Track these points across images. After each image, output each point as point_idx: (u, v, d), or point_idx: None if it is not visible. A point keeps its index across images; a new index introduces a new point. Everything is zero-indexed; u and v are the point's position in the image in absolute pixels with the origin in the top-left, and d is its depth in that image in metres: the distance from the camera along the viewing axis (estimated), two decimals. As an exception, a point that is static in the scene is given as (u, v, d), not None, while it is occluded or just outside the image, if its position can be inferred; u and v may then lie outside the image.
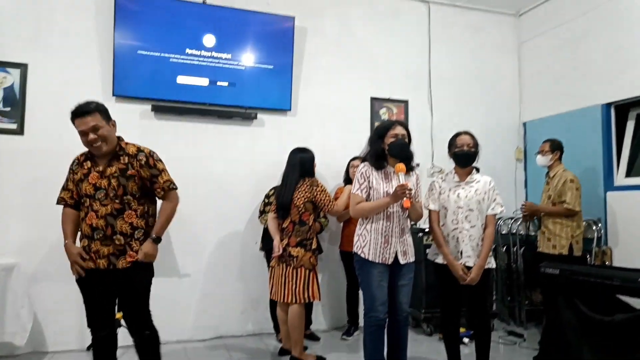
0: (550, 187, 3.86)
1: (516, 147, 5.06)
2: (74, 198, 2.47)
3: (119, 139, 2.48)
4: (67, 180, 2.50)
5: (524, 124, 5.11)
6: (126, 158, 2.42)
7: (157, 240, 2.46)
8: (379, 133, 2.80)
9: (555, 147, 3.90)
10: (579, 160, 4.29)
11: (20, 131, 3.60)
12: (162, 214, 2.51)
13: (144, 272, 2.45)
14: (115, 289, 2.42)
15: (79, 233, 2.47)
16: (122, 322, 3.46)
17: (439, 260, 2.88)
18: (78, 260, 2.37)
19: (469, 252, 2.80)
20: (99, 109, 2.38)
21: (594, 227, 4.00)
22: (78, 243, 2.47)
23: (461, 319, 3.00)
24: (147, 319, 2.50)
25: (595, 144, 4.23)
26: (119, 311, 2.50)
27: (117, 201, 2.37)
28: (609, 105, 4.19)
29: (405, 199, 2.56)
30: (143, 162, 2.44)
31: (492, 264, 2.87)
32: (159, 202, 2.57)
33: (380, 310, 2.66)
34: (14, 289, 3.18)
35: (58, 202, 2.51)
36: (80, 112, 2.34)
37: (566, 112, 4.54)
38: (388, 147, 2.73)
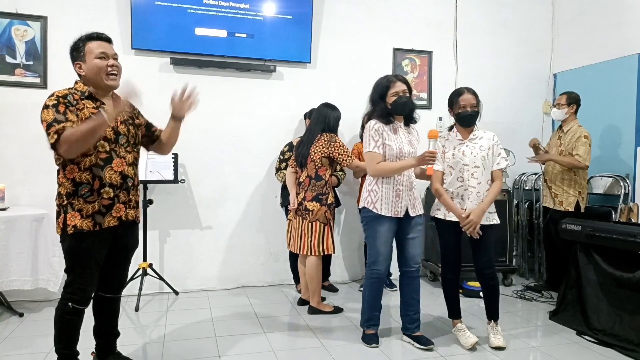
0: (562, 143, 3.74)
1: (544, 100, 4.88)
2: None
3: None
4: (61, 113, 2.05)
5: (555, 75, 4.89)
6: None
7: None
8: (379, 93, 2.77)
9: (572, 100, 3.75)
10: (610, 113, 4.12)
11: (43, 85, 3.64)
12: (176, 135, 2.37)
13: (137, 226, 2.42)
14: (117, 245, 2.27)
15: (95, 182, 2.11)
16: (149, 270, 3.68)
17: (439, 215, 2.89)
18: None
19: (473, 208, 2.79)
20: None
21: (622, 183, 3.88)
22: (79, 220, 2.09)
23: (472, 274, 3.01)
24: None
25: (628, 96, 4.02)
26: (112, 268, 2.30)
27: (135, 150, 2.31)
28: (646, 55, 3.96)
29: (429, 166, 2.62)
30: (137, 111, 2.37)
31: (496, 220, 2.85)
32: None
33: (383, 265, 2.76)
34: (45, 238, 3.32)
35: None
36: (105, 37, 2.20)
37: (600, 62, 4.31)
38: (391, 106, 2.73)
